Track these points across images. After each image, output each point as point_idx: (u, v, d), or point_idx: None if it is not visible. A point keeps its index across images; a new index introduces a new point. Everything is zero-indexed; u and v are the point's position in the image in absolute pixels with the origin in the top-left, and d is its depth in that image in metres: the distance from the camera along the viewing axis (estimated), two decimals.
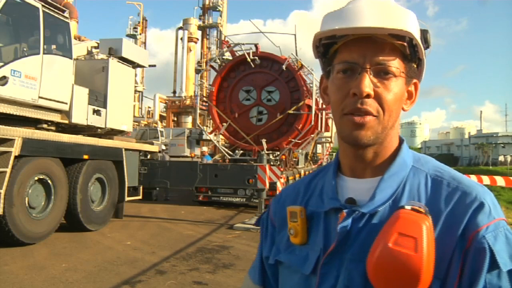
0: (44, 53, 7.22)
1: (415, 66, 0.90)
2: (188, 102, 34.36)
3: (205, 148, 17.26)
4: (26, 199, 6.72)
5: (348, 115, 0.85)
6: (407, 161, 0.91)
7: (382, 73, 0.85)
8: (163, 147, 16.95)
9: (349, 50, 0.86)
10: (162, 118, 35.47)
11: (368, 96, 0.83)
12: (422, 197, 0.86)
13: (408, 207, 0.79)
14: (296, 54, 13.37)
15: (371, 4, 0.85)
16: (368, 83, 0.83)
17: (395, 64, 0.85)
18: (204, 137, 19.40)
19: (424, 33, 0.89)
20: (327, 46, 0.90)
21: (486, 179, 12.89)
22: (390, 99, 0.85)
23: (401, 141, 0.95)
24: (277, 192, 10.80)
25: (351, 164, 0.93)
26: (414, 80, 0.93)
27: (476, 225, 0.80)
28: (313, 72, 13.84)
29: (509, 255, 0.78)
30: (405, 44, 0.85)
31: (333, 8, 0.92)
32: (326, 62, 0.92)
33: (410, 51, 0.86)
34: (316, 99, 13.43)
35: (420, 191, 0.87)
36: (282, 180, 11.17)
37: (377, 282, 0.77)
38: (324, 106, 14.33)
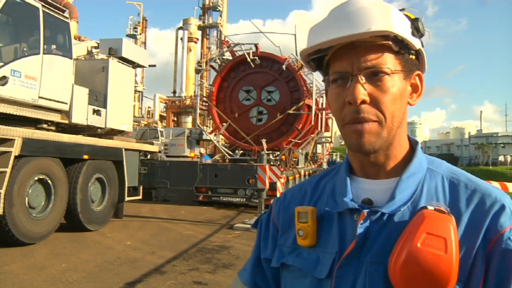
0: (44, 53, 7.22)
1: (413, 57, 0.88)
2: (188, 102, 34.36)
3: (202, 150, 17.23)
4: (26, 199, 6.72)
5: (349, 125, 0.85)
6: (423, 163, 0.91)
7: (374, 75, 0.83)
8: (162, 148, 16.89)
9: (338, 60, 0.86)
10: (162, 118, 35.46)
11: (363, 102, 0.82)
12: (441, 198, 0.85)
13: (431, 208, 0.79)
14: (296, 54, 13.35)
15: (350, 10, 0.84)
16: (360, 89, 0.82)
17: (386, 63, 0.84)
18: (204, 137, 19.40)
19: (414, 22, 0.87)
20: (319, 58, 0.90)
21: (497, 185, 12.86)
22: (387, 100, 0.83)
23: (415, 143, 0.94)
24: (277, 192, 10.83)
25: (362, 167, 0.91)
26: (417, 72, 0.90)
27: (500, 227, 0.79)
28: (313, 72, 13.83)
29: None
30: (390, 42, 0.83)
31: (331, 8, 0.92)
32: (323, 73, 0.92)
33: (399, 46, 0.84)
34: (316, 99, 13.43)
35: (438, 192, 0.86)
36: (282, 180, 11.18)
37: (402, 284, 0.75)
38: (324, 106, 14.36)
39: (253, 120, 13.51)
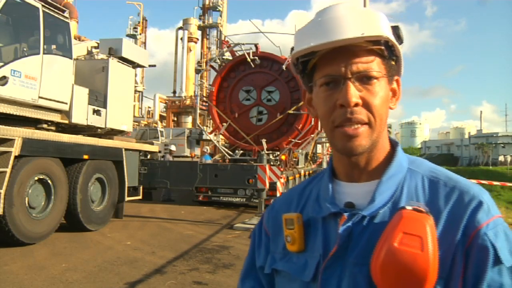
0: (44, 53, 7.22)
1: (393, 63, 0.90)
2: (188, 102, 34.33)
3: (206, 149, 17.20)
4: (26, 199, 6.72)
5: (340, 128, 0.85)
6: (403, 163, 0.92)
7: (365, 79, 0.85)
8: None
9: (329, 63, 0.86)
10: (162, 118, 35.45)
11: (356, 105, 0.84)
12: (421, 197, 0.86)
13: (409, 207, 0.80)
14: None
15: (342, 13, 0.85)
16: (353, 92, 0.83)
17: (376, 68, 0.86)
18: (204, 137, 19.38)
19: (396, 29, 0.89)
20: (304, 62, 0.90)
21: None
22: (377, 103, 0.85)
23: (395, 144, 0.95)
24: (277, 192, 10.83)
25: (346, 170, 0.93)
26: (396, 77, 0.93)
27: (477, 223, 0.80)
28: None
29: (509, 251, 0.80)
30: (383, 47, 0.85)
31: (319, 11, 0.91)
32: (306, 77, 0.92)
33: (387, 52, 0.87)
34: None
35: (418, 192, 0.87)
36: (282, 180, 11.17)
37: (383, 283, 0.77)
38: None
39: (253, 120, 13.51)
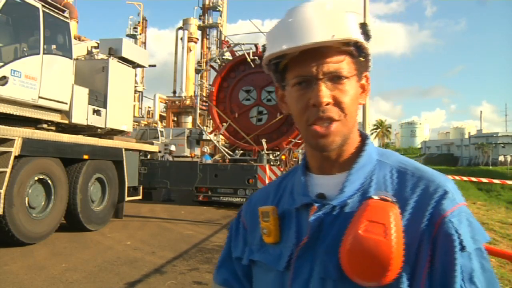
0: (44, 53, 7.22)
1: (362, 59, 0.93)
2: (188, 102, 34.35)
3: (206, 149, 17.17)
4: (26, 199, 6.72)
5: (313, 126, 0.89)
6: (372, 155, 0.96)
7: (336, 78, 0.88)
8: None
9: (300, 64, 0.88)
10: (162, 118, 35.46)
11: (327, 104, 0.87)
12: (389, 188, 0.90)
13: (376, 197, 0.85)
14: None
15: (312, 15, 0.87)
16: (325, 92, 0.87)
17: (346, 67, 0.89)
18: (204, 137, 19.39)
19: (363, 27, 0.92)
20: (276, 62, 0.93)
21: None
22: (348, 101, 0.89)
23: (365, 137, 0.99)
24: None
25: (318, 163, 0.97)
26: (365, 73, 0.96)
27: (442, 211, 0.84)
28: None
29: (472, 236, 0.83)
30: (352, 48, 0.89)
31: (289, 10, 0.92)
32: (279, 77, 0.95)
33: (357, 51, 0.90)
34: None
35: (387, 182, 0.91)
36: None
37: (351, 270, 0.80)
38: None
39: (253, 120, 13.51)
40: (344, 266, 0.81)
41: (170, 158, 14.97)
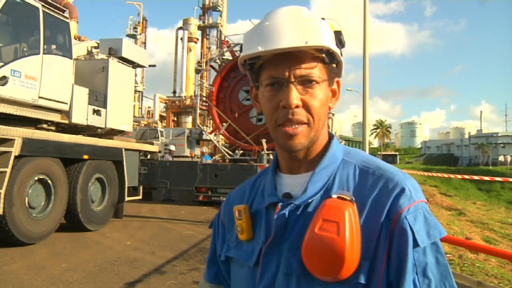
0: (44, 53, 7.22)
1: (334, 66, 0.97)
2: (188, 102, 34.32)
3: (205, 149, 17.17)
4: (26, 199, 6.72)
5: (282, 126, 0.93)
6: (337, 155, 0.99)
7: (307, 82, 0.91)
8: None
9: (274, 66, 0.92)
10: (162, 118, 35.45)
11: (297, 106, 0.90)
12: (351, 186, 0.93)
13: (334, 196, 0.89)
14: None
15: (288, 20, 0.91)
16: (295, 95, 0.90)
17: (317, 73, 0.92)
18: (204, 137, 19.40)
19: (338, 35, 0.96)
20: (252, 62, 0.96)
21: None
22: (317, 105, 0.92)
23: (331, 137, 1.02)
24: None
25: (287, 163, 1.01)
26: (336, 79, 1.00)
27: (399, 208, 0.87)
28: None
29: (426, 232, 0.87)
30: (323, 55, 0.92)
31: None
32: (254, 76, 0.98)
33: (328, 58, 0.93)
34: None
35: (349, 181, 0.94)
36: None
37: (310, 266, 0.85)
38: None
39: (253, 120, 13.51)
40: (305, 262, 0.86)
41: (170, 158, 14.95)
